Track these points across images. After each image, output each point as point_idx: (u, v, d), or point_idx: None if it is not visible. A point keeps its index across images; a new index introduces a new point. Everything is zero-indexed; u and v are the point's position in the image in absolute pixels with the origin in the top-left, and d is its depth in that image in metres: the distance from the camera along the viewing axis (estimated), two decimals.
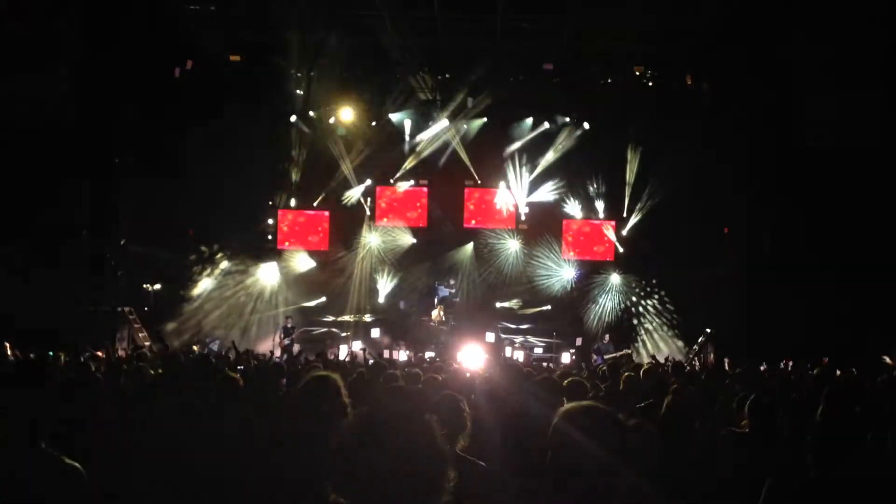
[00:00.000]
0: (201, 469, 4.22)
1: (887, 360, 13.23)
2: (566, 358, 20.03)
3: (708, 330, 20.47)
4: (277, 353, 18.53)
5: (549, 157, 23.37)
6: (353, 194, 23.54)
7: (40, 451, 2.92)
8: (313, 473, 3.11)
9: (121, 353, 15.44)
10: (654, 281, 22.75)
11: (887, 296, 17.09)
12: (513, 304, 23.43)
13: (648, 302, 22.79)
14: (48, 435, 2.99)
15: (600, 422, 2.63)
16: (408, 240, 23.91)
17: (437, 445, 2.03)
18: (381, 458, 1.97)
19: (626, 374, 8.85)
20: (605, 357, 19.37)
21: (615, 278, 23.32)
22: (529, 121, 23.47)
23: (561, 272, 23.55)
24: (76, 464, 2.96)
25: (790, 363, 13.97)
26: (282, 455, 3.69)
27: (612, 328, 22.26)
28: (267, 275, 23.29)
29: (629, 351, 20.50)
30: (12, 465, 2.84)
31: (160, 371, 6.66)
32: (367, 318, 22.87)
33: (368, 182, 23.77)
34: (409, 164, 23.57)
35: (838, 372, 10.48)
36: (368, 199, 23.99)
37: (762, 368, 13.67)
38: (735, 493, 4.52)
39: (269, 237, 23.87)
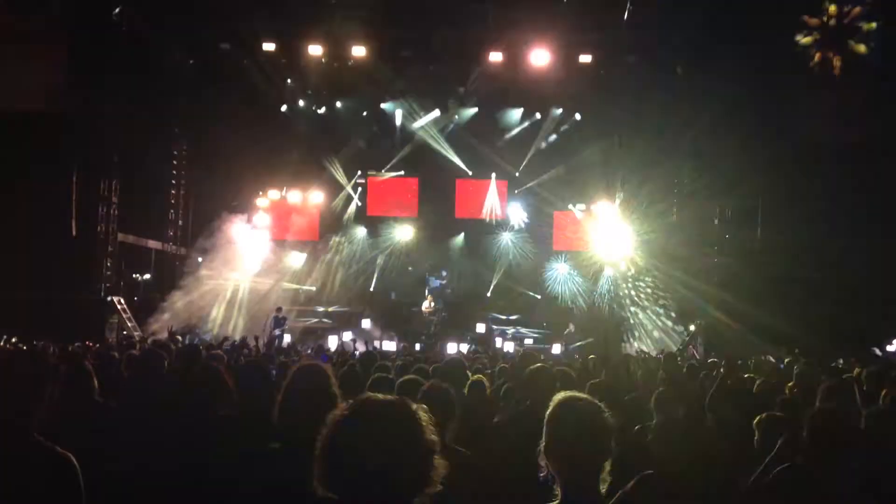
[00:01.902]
0: (190, 461, 4.21)
1: (877, 351, 13.34)
2: (557, 349, 20.06)
3: (698, 321, 20.50)
4: (268, 343, 18.47)
5: (541, 147, 23.38)
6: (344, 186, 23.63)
7: (33, 442, 2.91)
8: (309, 461, 3.11)
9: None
10: (643, 273, 22.78)
11: (879, 290, 17.19)
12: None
13: (637, 294, 22.81)
14: (41, 425, 2.98)
15: (590, 416, 2.67)
16: (399, 230, 23.92)
17: (424, 435, 2.00)
18: (367, 449, 1.94)
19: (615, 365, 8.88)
20: (570, 346, 19.56)
21: (605, 270, 23.38)
22: (520, 111, 23.45)
23: (551, 262, 23.64)
24: (69, 454, 2.95)
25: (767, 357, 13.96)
26: (271, 446, 3.68)
27: (575, 317, 22.29)
28: (258, 265, 23.22)
29: (592, 340, 20.51)
30: (5, 456, 2.83)
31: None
32: (359, 308, 22.85)
33: (359, 173, 23.83)
34: (399, 155, 23.58)
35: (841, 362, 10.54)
36: (359, 190, 24.01)
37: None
38: (724, 481, 4.55)
39: (261, 227, 23.79)
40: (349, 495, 1.92)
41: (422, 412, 2.04)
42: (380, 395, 2.07)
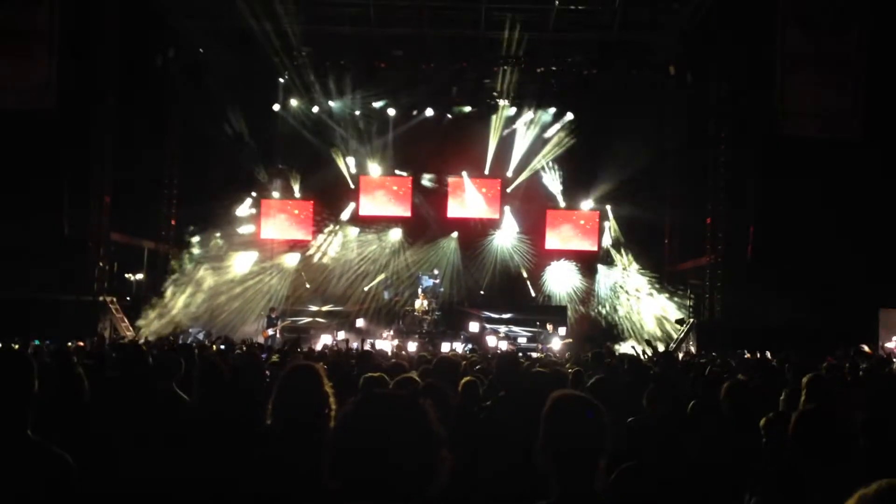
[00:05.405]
0: (187, 458, 4.20)
1: (866, 348, 13.38)
2: (557, 345, 20.07)
3: (691, 319, 20.55)
4: (261, 341, 18.45)
5: (534, 147, 23.41)
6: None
7: (28, 440, 2.90)
8: (301, 460, 3.11)
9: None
10: (637, 272, 22.83)
11: (867, 284, 17.24)
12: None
13: (631, 292, 22.85)
14: (35, 423, 2.98)
15: (587, 413, 2.68)
16: (392, 230, 23.92)
17: (431, 428, 2.03)
18: (376, 441, 1.97)
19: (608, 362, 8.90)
20: (547, 347, 19.57)
21: (599, 269, 23.43)
22: (513, 111, 23.46)
23: (546, 261, 23.67)
24: (64, 452, 2.95)
25: (765, 353, 14.00)
26: (267, 443, 3.68)
27: (553, 317, 22.28)
28: (250, 265, 23.18)
29: (570, 340, 20.52)
30: (1, 455, 2.82)
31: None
32: (352, 308, 22.82)
33: (353, 171, 23.86)
34: (392, 154, 23.61)
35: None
36: (353, 189, 24.02)
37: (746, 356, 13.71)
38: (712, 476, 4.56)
39: (252, 226, 23.76)
40: (360, 487, 1.95)
41: (427, 405, 2.07)
42: (389, 390, 2.11)
